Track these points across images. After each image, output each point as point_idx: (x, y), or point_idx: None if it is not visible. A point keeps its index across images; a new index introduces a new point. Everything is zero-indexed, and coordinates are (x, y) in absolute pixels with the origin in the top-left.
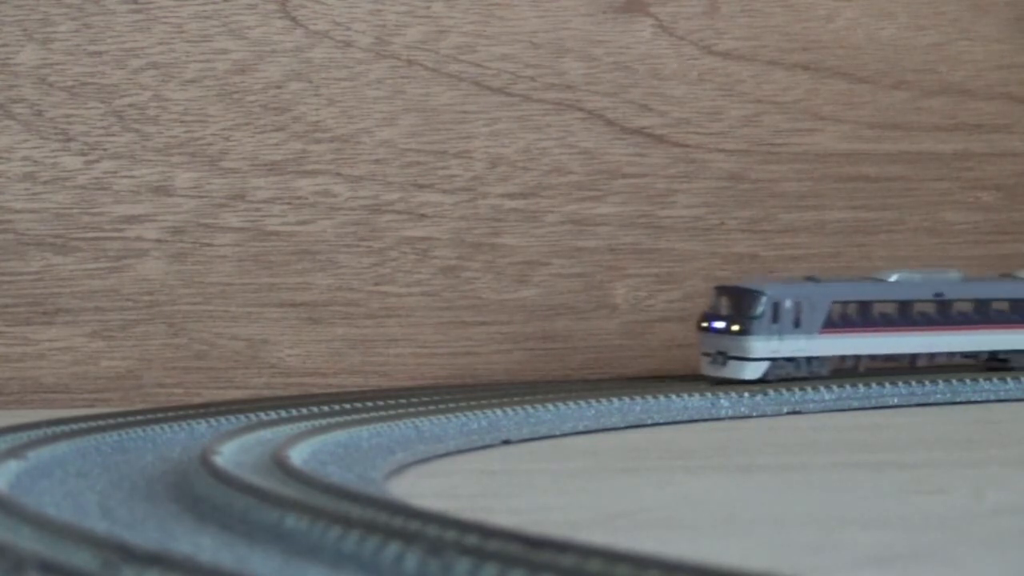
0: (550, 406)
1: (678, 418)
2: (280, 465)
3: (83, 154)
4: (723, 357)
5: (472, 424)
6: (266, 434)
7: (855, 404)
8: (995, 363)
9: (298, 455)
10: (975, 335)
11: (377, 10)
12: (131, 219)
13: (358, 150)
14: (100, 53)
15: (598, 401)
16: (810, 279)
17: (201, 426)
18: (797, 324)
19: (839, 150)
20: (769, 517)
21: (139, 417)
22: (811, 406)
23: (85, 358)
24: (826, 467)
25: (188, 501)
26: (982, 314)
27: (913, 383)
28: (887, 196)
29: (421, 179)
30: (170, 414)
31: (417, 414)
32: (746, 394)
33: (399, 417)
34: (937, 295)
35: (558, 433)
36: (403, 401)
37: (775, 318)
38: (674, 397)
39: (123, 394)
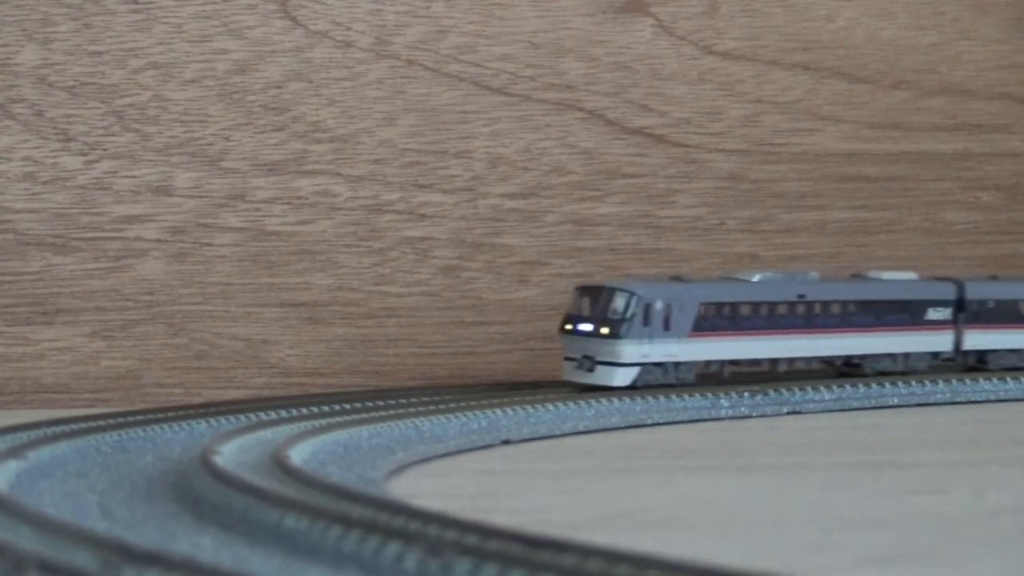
0: (550, 406)
1: (678, 418)
2: (280, 465)
3: (83, 154)
4: (590, 362)
5: (472, 424)
6: (266, 434)
7: (855, 404)
8: (850, 368)
9: (298, 455)
10: (834, 339)
11: (377, 10)
12: (131, 219)
13: (358, 150)
14: (100, 53)
15: (598, 401)
16: (676, 279)
17: (201, 426)
18: (667, 327)
19: (839, 150)
20: (769, 517)
21: (139, 417)
22: (811, 406)
23: (85, 358)
24: (826, 467)
25: (188, 501)
26: (841, 317)
27: (913, 383)
28: (887, 196)
29: (421, 179)
30: (170, 414)
31: (417, 414)
32: (746, 394)
33: (399, 417)
34: (800, 296)
35: (558, 433)
36: (403, 401)
37: (646, 320)
38: (674, 397)
39: (123, 394)
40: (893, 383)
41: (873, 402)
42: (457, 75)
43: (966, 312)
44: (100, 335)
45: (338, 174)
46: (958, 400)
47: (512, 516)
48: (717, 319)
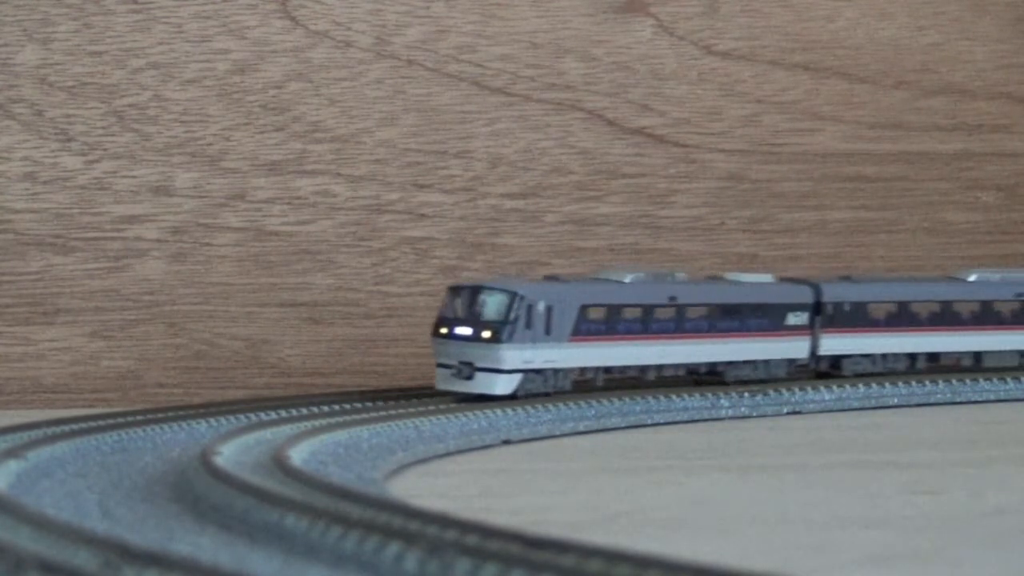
0: (550, 406)
1: (678, 418)
2: (280, 465)
3: (83, 154)
4: (469, 368)
5: (472, 424)
6: (266, 434)
7: (855, 404)
8: (712, 376)
9: (298, 455)
10: (700, 346)
11: (377, 10)
12: (131, 219)
13: (358, 150)
14: (100, 53)
15: (598, 401)
16: (552, 278)
17: (201, 426)
18: (548, 331)
19: (839, 150)
20: (769, 517)
21: (139, 417)
22: (811, 406)
23: (85, 358)
24: (826, 467)
25: (188, 501)
26: (707, 322)
27: (913, 383)
28: (887, 196)
29: (421, 179)
30: (170, 414)
31: (417, 414)
32: (746, 394)
33: (399, 417)
34: (671, 298)
35: (558, 433)
36: (403, 401)
37: (528, 323)
38: (674, 397)
39: (123, 394)
40: (893, 383)
41: (873, 402)
42: (457, 75)
43: (823, 316)
44: (100, 335)
45: (338, 174)
46: (958, 400)
47: (512, 516)
48: (594, 322)
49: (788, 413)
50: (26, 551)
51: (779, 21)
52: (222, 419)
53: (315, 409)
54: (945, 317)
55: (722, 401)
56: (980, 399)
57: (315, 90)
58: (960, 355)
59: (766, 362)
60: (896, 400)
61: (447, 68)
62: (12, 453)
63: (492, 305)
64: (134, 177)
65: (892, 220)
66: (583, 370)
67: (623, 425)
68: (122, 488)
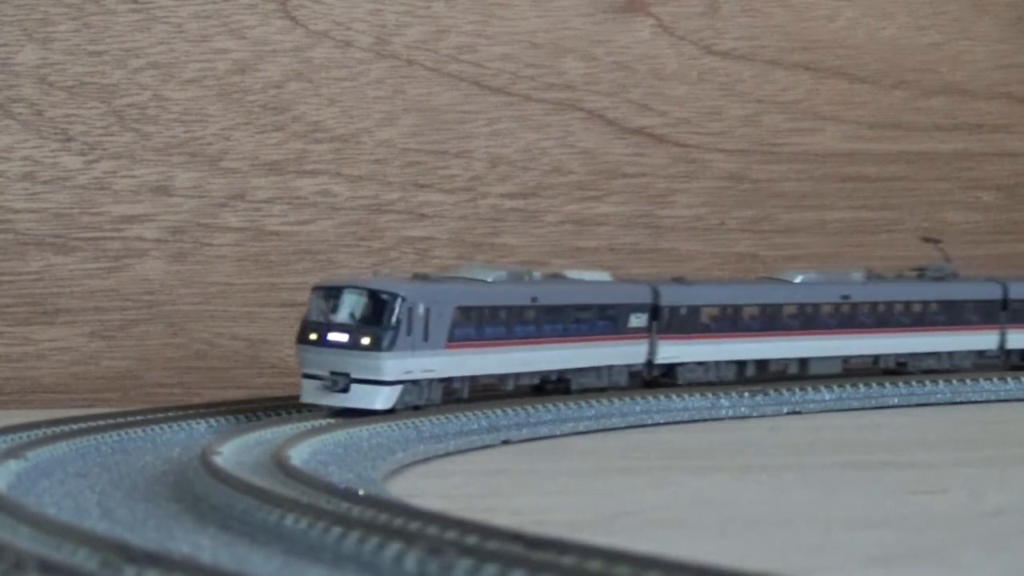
0: (550, 406)
1: (678, 418)
2: (280, 465)
3: (83, 154)
4: (345, 380)
5: (472, 424)
6: (266, 434)
7: (855, 404)
8: (559, 385)
9: (298, 455)
10: (553, 352)
11: (377, 10)
12: (131, 219)
13: (358, 150)
14: (100, 53)
15: (598, 401)
16: (421, 277)
17: (201, 426)
18: (426, 337)
19: (839, 150)
20: (769, 517)
21: (139, 417)
22: (811, 406)
23: (85, 358)
24: (826, 467)
25: (188, 501)
26: (560, 326)
27: (913, 383)
28: (887, 196)
29: (421, 179)
30: (170, 414)
31: (417, 414)
32: (746, 394)
33: (399, 417)
34: (534, 300)
35: (558, 433)
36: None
37: (410, 329)
38: (674, 397)
39: (123, 394)
40: (893, 383)
41: (873, 402)
42: (457, 75)
43: (660, 320)
44: (100, 335)
45: (338, 174)
46: (958, 400)
47: (512, 516)
48: (467, 327)
49: (788, 413)
50: (26, 551)
51: (779, 21)
52: (222, 419)
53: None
54: (774, 322)
55: (722, 401)
56: (980, 399)
57: (315, 90)
58: (786, 362)
59: (609, 368)
60: (896, 400)
61: (447, 68)
62: (12, 453)
63: (370, 308)
64: (134, 177)
65: (892, 220)
66: (451, 380)
67: (623, 425)
68: (122, 488)
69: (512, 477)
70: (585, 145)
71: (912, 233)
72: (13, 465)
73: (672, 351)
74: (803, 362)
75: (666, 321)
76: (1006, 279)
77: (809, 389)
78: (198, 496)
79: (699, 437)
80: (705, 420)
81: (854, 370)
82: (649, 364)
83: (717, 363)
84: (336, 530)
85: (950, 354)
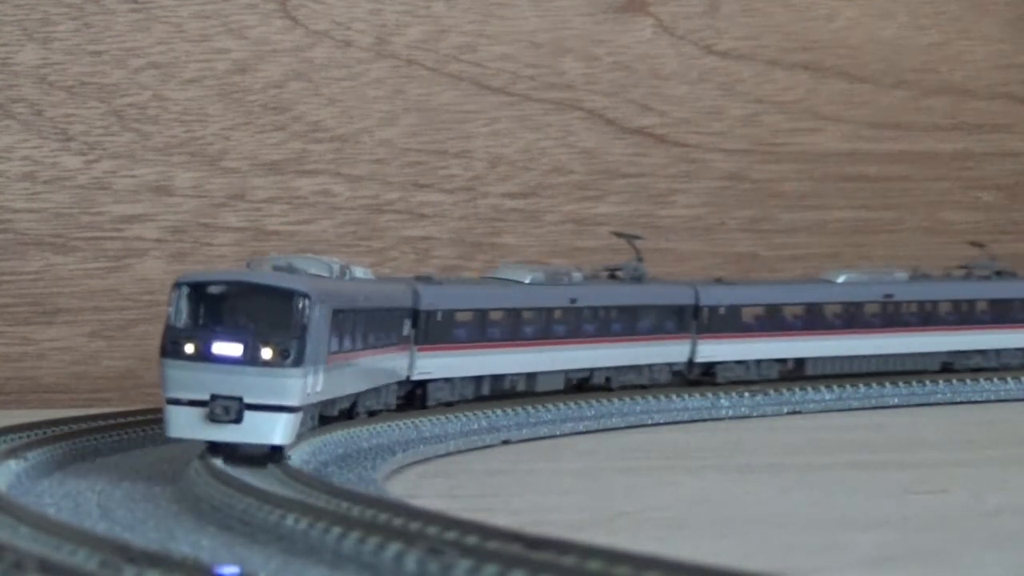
0: (550, 406)
1: (678, 418)
2: (280, 465)
3: (83, 154)
4: (236, 406)
5: (472, 424)
6: None
7: (855, 404)
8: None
9: (298, 455)
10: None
11: (377, 10)
12: (131, 219)
13: (358, 150)
14: (100, 53)
15: (598, 401)
16: (287, 269)
17: None
18: (329, 347)
19: (839, 150)
20: (769, 517)
21: (139, 417)
22: (811, 406)
23: (85, 358)
24: (826, 467)
25: (188, 501)
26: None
27: (913, 383)
28: (887, 196)
29: (421, 179)
30: None
31: (417, 414)
32: (746, 394)
33: (399, 417)
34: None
35: (558, 433)
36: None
37: (317, 337)
38: (674, 397)
39: (123, 394)
40: (893, 383)
41: (873, 402)
42: (457, 75)
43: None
44: (100, 335)
45: (338, 174)
46: (958, 400)
47: (512, 516)
48: (345, 334)
49: (788, 413)
50: (26, 551)
51: (779, 21)
52: None
53: None
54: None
55: (722, 401)
56: (980, 399)
57: (315, 90)
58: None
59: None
60: (896, 400)
61: (447, 68)
62: (12, 453)
63: (274, 310)
64: (134, 177)
65: (892, 220)
66: (326, 404)
67: (623, 425)
68: (122, 488)
69: (512, 477)
70: (585, 145)
71: (912, 233)
72: (13, 465)
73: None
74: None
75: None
76: None
77: (809, 389)
78: (198, 496)
79: (699, 437)
80: (705, 420)
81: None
82: (690, 363)
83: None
84: (336, 530)
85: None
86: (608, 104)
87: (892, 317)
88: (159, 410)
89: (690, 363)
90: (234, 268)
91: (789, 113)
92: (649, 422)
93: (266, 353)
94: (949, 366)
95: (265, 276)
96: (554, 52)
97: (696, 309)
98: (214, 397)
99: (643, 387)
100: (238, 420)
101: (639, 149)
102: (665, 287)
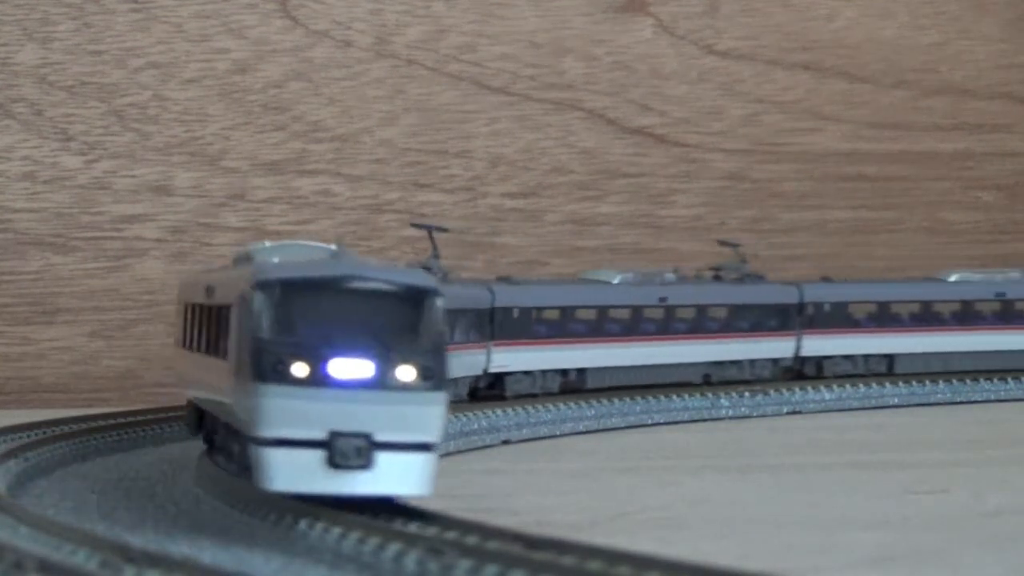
0: (550, 406)
1: (678, 418)
2: None
3: (83, 154)
4: (365, 446)
5: (472, 424)
6: None
7: (855, 404)
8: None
9: None
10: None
11: (377, 10)
12: (131, 219)
13: (358, 150)
14: (100, 53)
15: (598, 401)
16: (246, 260)
17: None
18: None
19: (839, 150)
20: (769, 517)
21: (139, 417)
22: (811, 406)
23: (85, 358)
24: (826, 467)
25: (188, 501)
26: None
27: (914, 383)
28: (887, 196)
29: (421, 179)
30: (170, 414)
31: None
32: (746, 394)
33: None
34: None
35: (558, 433)
36: None
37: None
38: (674, 397)
39: (123, 394)
40: (893, 383)
41: (873, 402)
42: (457, 75)
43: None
44: (100, 335)
45: (338, 174)
46: (959, 400)
47: (512, 516)
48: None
49: (788, 413)
50: (26, 551)
51: (779, 20)
52: None
53: None
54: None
55: (722, 401)
56: (980, 399)
57: (315, 90)
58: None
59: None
60: (896, 400)
61: (447, 68)
62: (12, 453)
63: (395, 316)
64: (134, 177)
65: (892, 220)
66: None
67: (623, 425)
68: (122, 488)
69: (512, 477)
70: (585, 145)
71: (912, 233)
72: (13, 465)
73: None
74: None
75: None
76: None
77: (809, 389)
78: (198, 496)
79: (699, 437)
80: (705, 420)
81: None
82: (797, 358)
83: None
84: (336, 530)
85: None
86: (608, 104)
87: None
88: (159, 410)
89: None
90: (318, 261)
91: (789, 113)
92: (649, 422)
93: (403, 373)
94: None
95: (381, 271)
96: (554, 52)
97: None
98: (334, 435)
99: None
100: (367, 465)
101: (639, 149)
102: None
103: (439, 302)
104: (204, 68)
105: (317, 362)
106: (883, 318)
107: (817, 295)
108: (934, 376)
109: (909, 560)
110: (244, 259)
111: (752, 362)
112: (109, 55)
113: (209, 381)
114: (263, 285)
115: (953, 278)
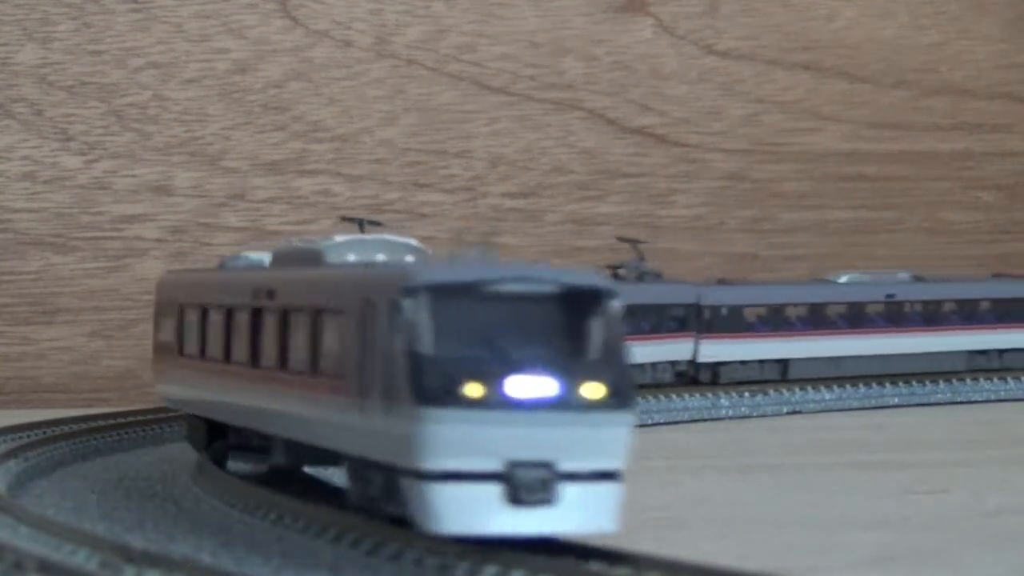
0: None
1: (678, 418)
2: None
3: (83, 154)
4: (550, 477)
5: None
6: None
7: (855, 404)
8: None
9: None
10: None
11: (377, 10)
12: (131, 219)
13: (358, 150)
14: (100, 53)
15: None
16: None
17: None
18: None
19: (839, 150)
20: (769, 517)
21: (139, 417)
22: (811, 406)
23: (85, 358)
24: (826, 467)
25: (188, 501)
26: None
27: (913, 383)
28: (887, 196)
29: (421, 179)
30: (170, 414)
31: None
32: (746, 394)
33: None
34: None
35: None
36: None
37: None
38: (674, 397)
39: (123, 393)
40: (893, 383)
41: (873, 402)
42: (457, 75)
43: None
44: (100, 335)
45: (338, 174)
46: (959, 400)
47: None
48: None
49: (788, 413)
50: (26, 551)
51: (779, 21)
52: None
53: None
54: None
55: (722, 401)
56: (980, 399)
57: (315, 90)
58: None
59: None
60: (896, 400)
61: (447, 68)
62: (12, 453)
63: (569, 323)
64: (134, 176)
65: (892, 220)
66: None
67: None
68: (121, 488)
69: None
70: (585, 145)
71: (912, 233)
72: (13, 465)
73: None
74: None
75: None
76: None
77: (809, 389)
78: (198, 496)
79: (699, 437)
80: (705, 420)
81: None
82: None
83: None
84: (334, 531)
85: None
86: (608, 104)
87: None
88: (159, 409)
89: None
90: (468, 260)
91: (789, 113)
92: (649, 422)
93: (589, 390)
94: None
95: (550, 271)
96: (554, 52)
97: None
98: (514, 465)
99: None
100: (552, 499)
101: (639, 149)
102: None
103: (617, 304)
104: (204, 68)
105: (493, 380)
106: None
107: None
108: (934, 376)
109: (909, 560)
110: (309, 257)
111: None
112: (109, 55)
113: (267, 399)
114: (418, 290)
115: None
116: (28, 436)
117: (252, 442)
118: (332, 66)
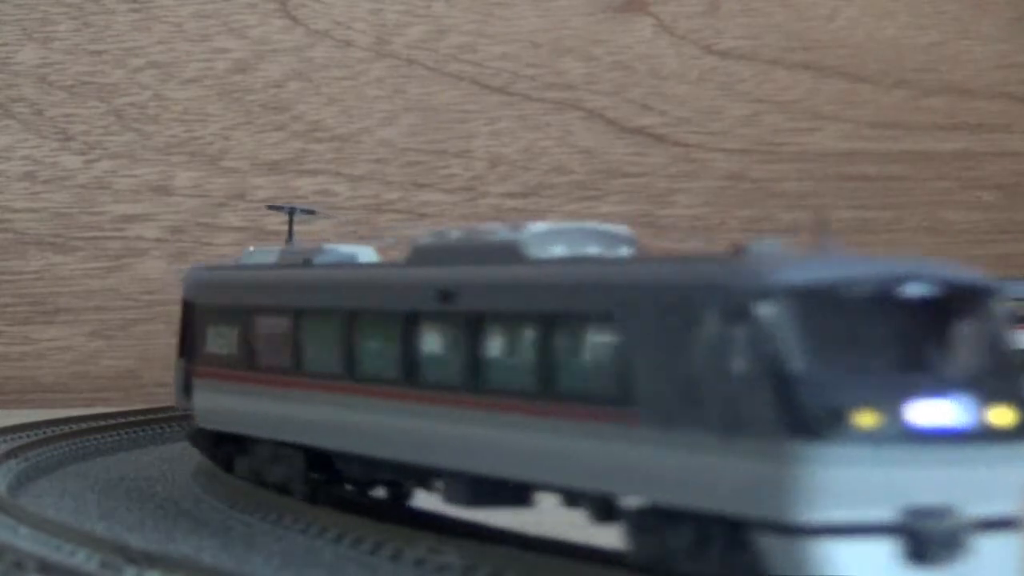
0: None
1: None
2: None
3: (83, 153)
4: (960, 528)
5: None
6: None
7: None
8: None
9: None
10: None
11: (377, 9)
12: (131, 218)
13: (358, 149)
14: (100, 53)
15: None
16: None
17: None
18: None
19: (839, 149)
20: None
21: (139, 416)
22: None
23: (85, 357)
24: None
25: (188, 501)
26: None
27: None
28: (887, 196)
29: (421, 178)
30: (170, 413)
31: None
32: None
33: None
34: None
35: None
36: None
37: None
38: None
39: (123, 393)
40: None
41: None
42: (457, 75)
43: None
44: (100, 335)
45: (338, 174)
46: None
47: (512, 516)
48: None
49: None
50: (26, 551)
51: (779, 20)
52: None
53: None
54: None
55: None
56: None
57: (315, 89)
58: None
59: None
60: None
61: (447, 68)
62: (12, 453)
63: (960, 329)
64: (134, 176)
65: (892, 220)
66: None
67: None
68: (122, 488)
69: None
70: (585, 145)
71: (912, 233)
72: (13, 465)
73: None
74: None
75: None
76: None
77: None
78: (198, 496)
79: None
80: None
81: None
82: None
83: None
84: (334, 531)
85: None
86: (608, 104)
87: None
88: (160, 409)
89: None
90: (832, 254)
91: (789, 113)
92: None
93: (998, 416)
94: None
95: (934, 267)
96: (554, 52)
97: None
98: (917, 515)
99: None
100: (961, 555)
101: (639, 149)
102: None
103: (999, 305)
104: (204, 68)
105: (893, 407)
106: None
107: None
108: None
109: None
110: (502, 249)
111: None
112: (109, 55)
113: (449, 425)
114: (786, 293)
115: None
116: (28, 436)
117: (376, 474)
118: (332, 66)
